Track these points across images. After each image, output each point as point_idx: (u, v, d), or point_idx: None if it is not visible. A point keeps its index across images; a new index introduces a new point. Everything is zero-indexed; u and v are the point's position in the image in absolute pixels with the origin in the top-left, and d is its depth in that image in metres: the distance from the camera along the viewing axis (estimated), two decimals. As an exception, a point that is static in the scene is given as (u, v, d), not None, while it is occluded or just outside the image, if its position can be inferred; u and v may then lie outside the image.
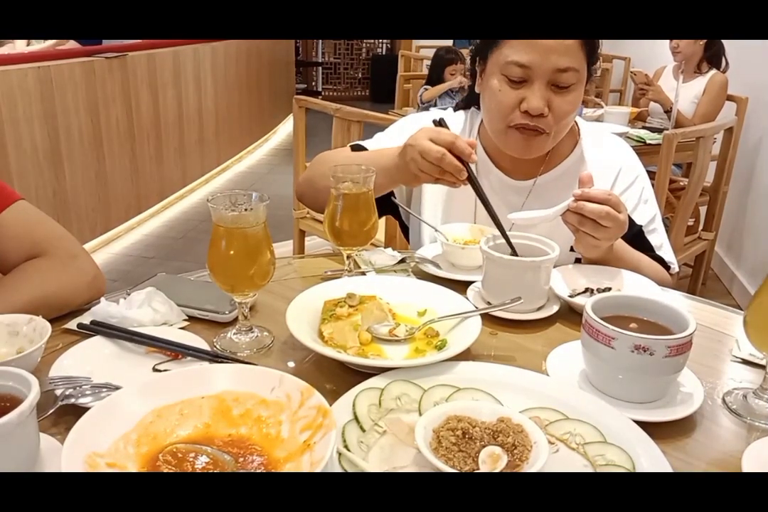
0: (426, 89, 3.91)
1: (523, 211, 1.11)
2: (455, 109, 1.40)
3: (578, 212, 1.01)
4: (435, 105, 3.78)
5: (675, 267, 1.25)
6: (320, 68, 9.17)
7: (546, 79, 1.12)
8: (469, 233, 1.21)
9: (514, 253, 1.04)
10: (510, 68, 1.13)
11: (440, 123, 1.14)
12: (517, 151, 1.20)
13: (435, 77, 3.97)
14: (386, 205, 1.30)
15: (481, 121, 1.31)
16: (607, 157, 1.29)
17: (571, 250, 1.16)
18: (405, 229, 1.47)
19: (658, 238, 1.25)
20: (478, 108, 1.31)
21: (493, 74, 1.17)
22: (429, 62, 5.06)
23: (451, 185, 1.10)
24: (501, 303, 0.94)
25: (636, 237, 1.21)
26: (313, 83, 9.29)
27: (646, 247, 1.22)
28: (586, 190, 1.02)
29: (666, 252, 1.25)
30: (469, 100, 1.34)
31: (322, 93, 9.04)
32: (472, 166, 1.09)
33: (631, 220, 1.21)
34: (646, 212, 1.25)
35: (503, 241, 1.05)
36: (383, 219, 1.71)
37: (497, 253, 0.98)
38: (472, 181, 1.08)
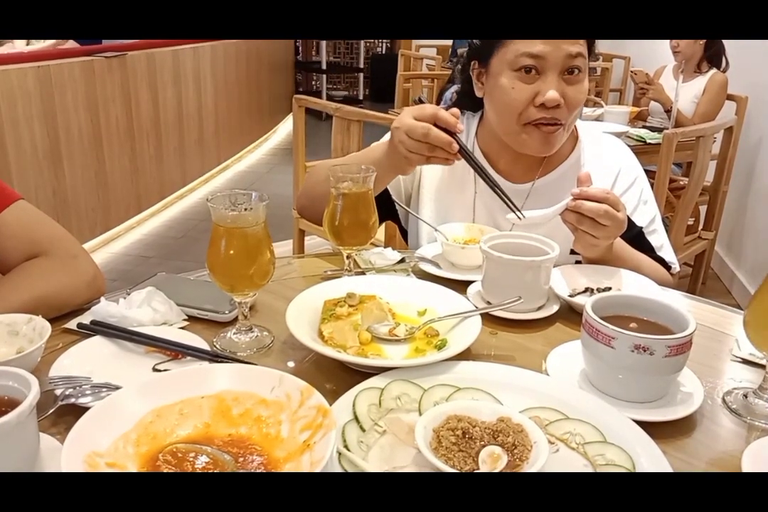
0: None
1: (522, 211, 1.10)
2: None
3: (577, 211, 1.01)
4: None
5: (676, 267, 1.25)
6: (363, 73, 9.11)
7: (558, 69, 1.13)
8: (468, 233, 1.21)
9: (517, 210, 1.06)
10: (522, 61, 1.13)
11: (420, 101, 1.13)
12: (537, 149, 1.20)
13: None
14: (387, 210, 1.30)
15: (478, 124, 1.31)
16: (606, 159, 1.28)
17: (572, 252, 1.16)
18: (404, 233, 1.46)
19: (658, 238, 1.25)
20: (473, 111, 1.31)
21: (501, 73, 1.16)
22: (428, 62, 5.07)
23: (444, 162, 1.08)
24: (501, 303, 0.94)
25: (636, 238, 1.21)
26: (313, 83, 9.28)
27: (646, 248, 1.22)
28: (584, 188, 1.02)
29: (667, 252, 1.25)
30: (460, 105, 1.33)
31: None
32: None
33: (631, 222, 1.21)
34: (646, 213, 1.25)
35: (503, 240, 1.05)
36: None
37: (497, 252, 0.98)
38: (464, 151, 1.07)
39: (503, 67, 1.16)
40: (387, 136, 1.37)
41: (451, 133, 1.04)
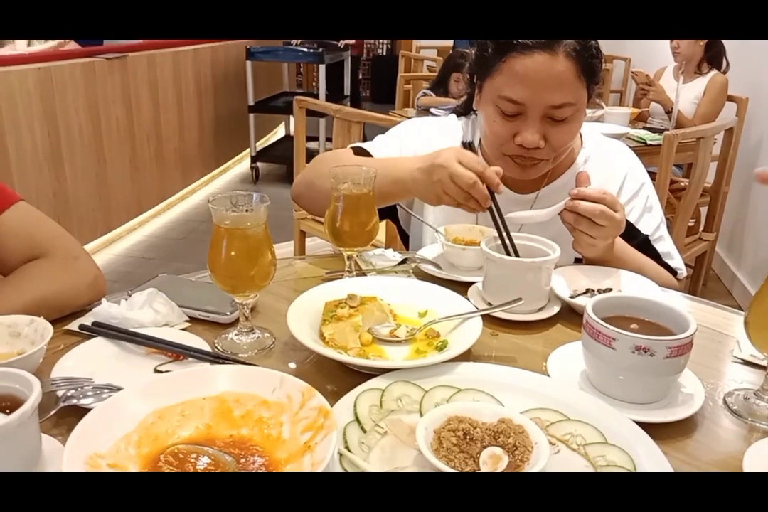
0: (425, 93, 3.81)
1: (521, 211, 1.11)
2: (457, 116, 1.38)
3: (573, 210, 1.01)
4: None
5: (682, 273, 1.24)
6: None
7: (540, 114, 1.10)
8: (470, 234, 1.21)
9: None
10: (503, 103, 1.11)
11: (470, 146, 1.10)
12: (515, 176, 1.20)
13: (439, 80, 3.88)
14: (386, 209, 1.29)
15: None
16: (612, 165, 1.28)
17: (577, 261, 1.16)
18: (404, 237, 1.46)
19: (664, 245, 1.25)
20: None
21: (489, 102, 1.15)
22: (429, 63, 5.07)
23: (470, 211, 1.07)
24: (502, 304, 0.94)
25: (642, 245, 1.21)
26: (314, 84, 9.28)
27: (653, 255, 1.22)
28: (581, 188, 1.02)
29: (673, 259, 1.25)
30: (468, 107, 1.32)
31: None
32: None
33: (636, 230, 1.21)
34: (651, 220, 1.25)
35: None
36: (384, 220, 1.71)
37: (498, 253, 0.99)
38: (495, 209, 1.05)
39: (489, 98, 1.14)
40: (392, 133, 1.36)
41: (489, 189, 1.03)
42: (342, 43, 5.92)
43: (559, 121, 1.11)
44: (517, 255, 1.04)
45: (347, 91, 5.91)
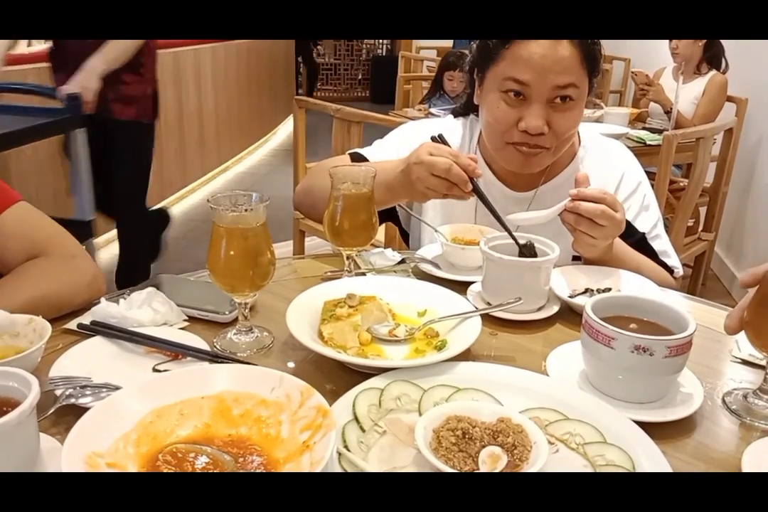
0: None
1: (521, 212, 1.11)
2: (455, 116, 1.38)
3: (574, 211, 1.01)
4: (433, 105, 3.73)
5: (679, 271, 1.25)
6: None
7: (545, 97, 1.11)
8: (469, 233, 1.21)
9: (523, 255, 1.03)
10: (508, 84, 1.11)
11: (440, 139, 1.12)
12: (517, 167, 1.20)
13: (436, 79, 3.92)
14: (386, 211, 1.29)
15: (481, 130, 1.30)
16: (609, 164, 1.28)
17: (575, 259, 1.16)
18: (405, 235, 1.46)
19: (661, 244, 1.25)
20: (478, 115, 1.30)
21: (491, 90, 1.15)
22: (429, 63, 5.08)
23: (459, 198, 1.08)
24: (501, 304, 0.94)
25: (639, 244, 1.21)
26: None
27: (649, 254, 1.22)
28: (581, 189, 1.02)
29: (670, 257, 1.25)
30: (467, 107, 1.32)
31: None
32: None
33: (633, 228, 1.21)
34: (648, 219, 1.25)
35: (503, 241, 1.05)
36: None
37: (497, 253, 0.98)
38: (478, 191, 1.07)
39: (493, 86, 1.15)
40: (390, 137, 1.36)
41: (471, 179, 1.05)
42: (62, 93, 2.21)
43: (562, 106, 1.12)
44: (510, 234, 1.05)
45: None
